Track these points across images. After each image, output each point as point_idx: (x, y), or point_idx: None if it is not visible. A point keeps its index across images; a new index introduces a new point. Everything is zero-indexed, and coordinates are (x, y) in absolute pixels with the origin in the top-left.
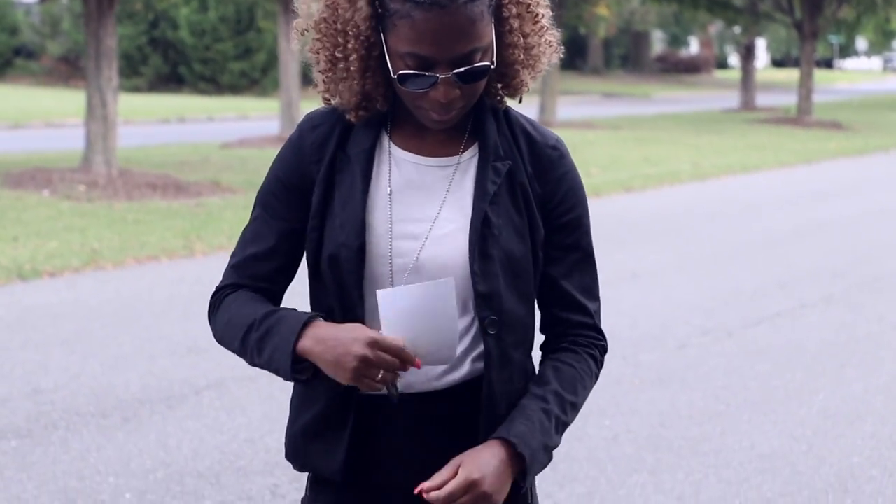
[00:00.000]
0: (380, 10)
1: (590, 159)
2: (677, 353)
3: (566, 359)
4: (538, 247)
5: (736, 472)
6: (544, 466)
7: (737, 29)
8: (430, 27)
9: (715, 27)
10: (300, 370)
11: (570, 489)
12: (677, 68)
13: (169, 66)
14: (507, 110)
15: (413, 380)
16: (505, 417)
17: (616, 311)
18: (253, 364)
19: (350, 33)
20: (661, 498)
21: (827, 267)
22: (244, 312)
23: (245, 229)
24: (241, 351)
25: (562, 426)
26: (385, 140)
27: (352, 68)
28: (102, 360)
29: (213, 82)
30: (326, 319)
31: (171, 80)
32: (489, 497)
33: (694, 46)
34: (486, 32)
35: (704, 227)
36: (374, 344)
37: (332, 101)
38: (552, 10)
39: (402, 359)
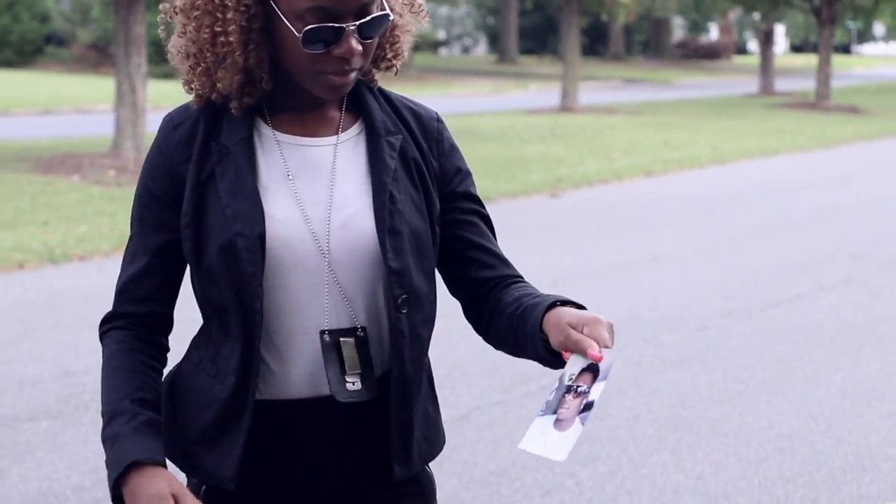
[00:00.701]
0: None
1: (611, 144)
2: (697, 335)
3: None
4: (435, 223)
5: (755, 451)
6: None
7: (756, 15)
8: None
9: (734, 13)
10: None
11: (593, 468)
12: (697, 54)
13: None
14: (381, 88)
15: (319, 384)
16: (415, 401)
17: (637, 293)
18: None
19: (229, 4)
20: (681, 477)
21: (845, 249)
22: (110, 386)
23: (125, 250)
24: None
25: None
26: (263, 127)
27: (231, 39)
28: None
29: None
30: (155, 462)
31: None
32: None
33: (714, 32)
34: None
35: (724, 211)
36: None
37: (211, 95)
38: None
39: None
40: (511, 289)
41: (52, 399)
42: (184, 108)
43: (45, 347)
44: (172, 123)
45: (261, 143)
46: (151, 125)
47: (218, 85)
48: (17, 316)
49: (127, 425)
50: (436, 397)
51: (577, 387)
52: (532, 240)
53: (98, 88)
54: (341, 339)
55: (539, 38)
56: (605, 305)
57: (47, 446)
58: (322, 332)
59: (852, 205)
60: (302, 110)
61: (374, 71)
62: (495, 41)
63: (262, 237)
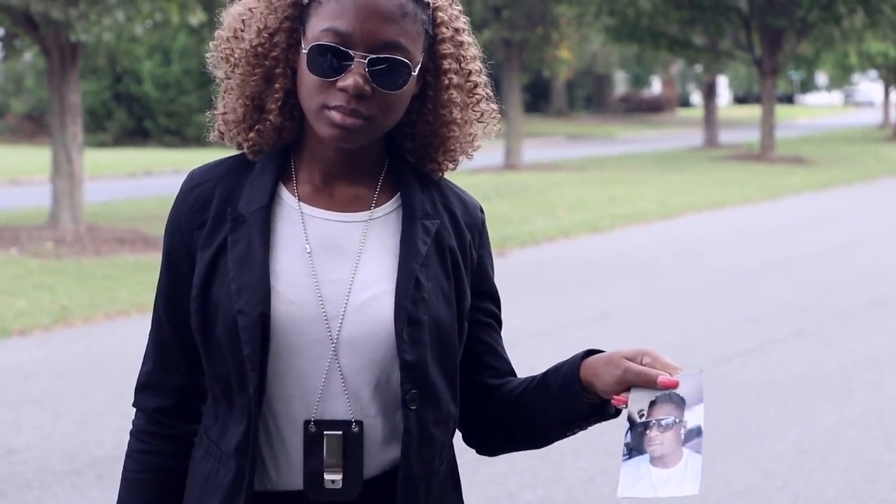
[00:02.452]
0: (305, 2)
1: (556, 201)
2: None
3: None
4: (464, 317)
5: None
6: None
7: (698, 67)
8: (356, 3)
9: (676, 66)
10: None
11: None
12: (640, 108)
13: (134, 120)
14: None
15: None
16: (422, 502)
17: None
18: None
19: (280, 58)
20: None
21: (795, 301)
22: (120, 496)
23: (150, 330)
24: None
25: None
26: (287, 197)
27: (277, 85)
28: (75, 417)
29: (178, 135)
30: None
31: (137, 134)
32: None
33: (656, 86)
34: (412, 36)
35: (672, 266)
36: None
37: (245, 147)
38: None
39: None
40: (511, 380)
41: None
42: (208, 168)
43: None
44: (191, 184)
45: (282, 213)
46: (89, 195)
47: (262, 138)
48: None
49: None
50: (461, 500)
51: (660, 420)
52: None
53: (34, 159)
54: (325, 432)
55: None
56: None
57: None
58: (307, 423)
59: (801, 256)
60: (330, 182)
61: (433, 167)
62: None
63: (264, 317)
